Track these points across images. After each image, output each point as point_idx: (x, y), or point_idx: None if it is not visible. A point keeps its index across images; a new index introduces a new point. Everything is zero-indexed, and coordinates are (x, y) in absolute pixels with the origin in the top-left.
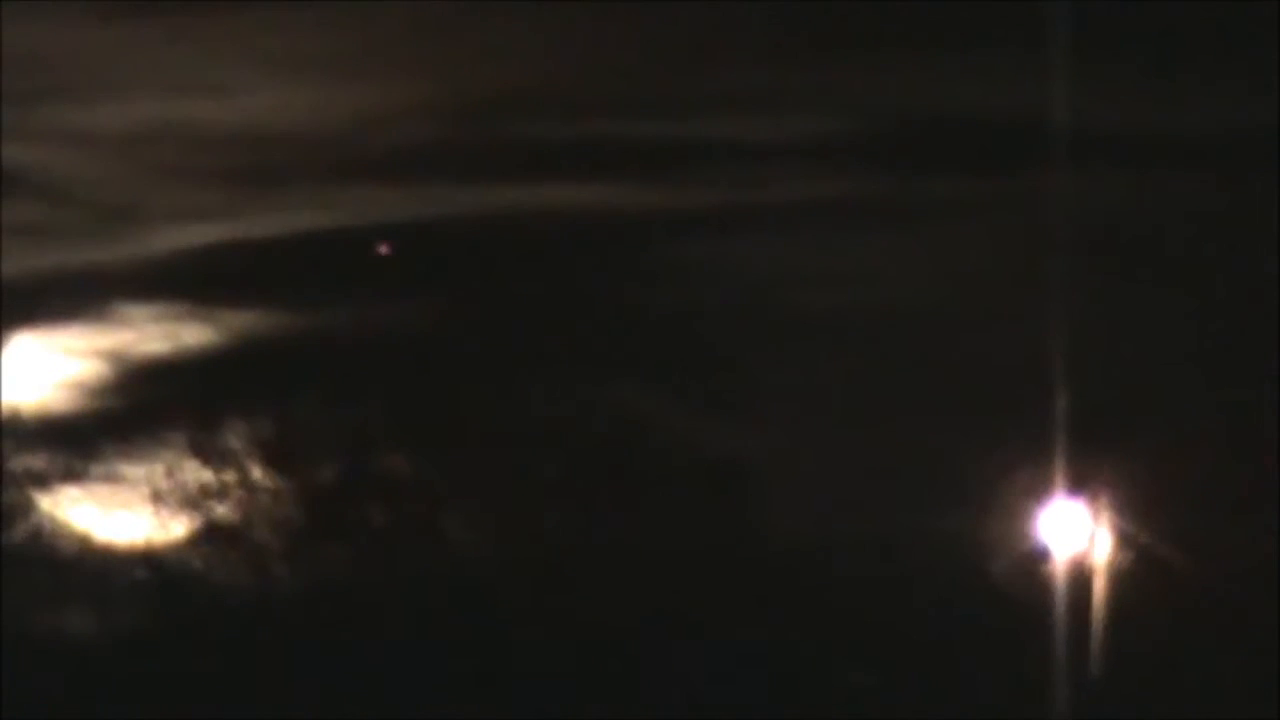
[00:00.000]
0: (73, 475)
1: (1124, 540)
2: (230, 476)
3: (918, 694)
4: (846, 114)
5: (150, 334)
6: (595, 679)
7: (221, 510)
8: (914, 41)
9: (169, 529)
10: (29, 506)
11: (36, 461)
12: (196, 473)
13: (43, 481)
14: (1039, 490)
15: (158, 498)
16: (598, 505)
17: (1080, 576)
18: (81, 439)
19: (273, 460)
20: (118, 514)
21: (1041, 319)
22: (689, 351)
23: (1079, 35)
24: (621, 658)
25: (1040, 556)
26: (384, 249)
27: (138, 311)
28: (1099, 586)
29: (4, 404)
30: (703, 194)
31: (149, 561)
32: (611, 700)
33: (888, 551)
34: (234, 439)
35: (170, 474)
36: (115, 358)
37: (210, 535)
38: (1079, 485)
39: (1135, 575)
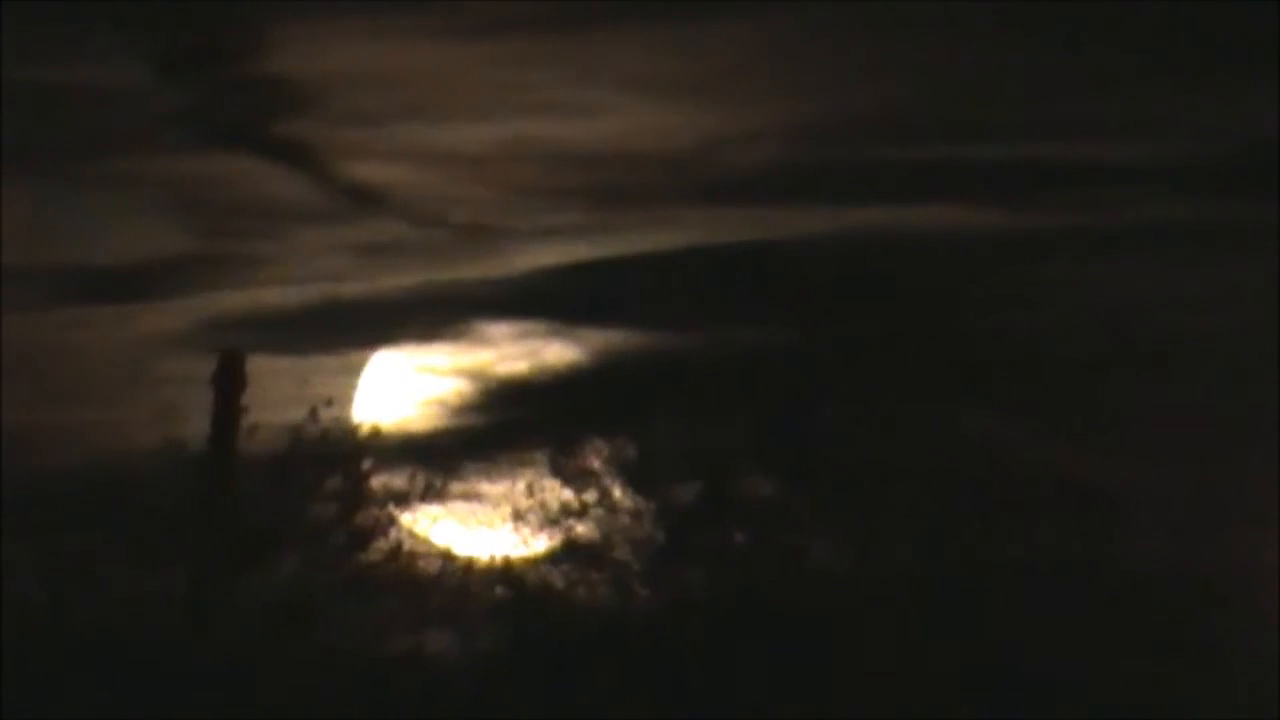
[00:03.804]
0: (433, 493)
1: None
2: (590, 496)
3: None
4: (1199, 138)
5: (511, 353)
6: (951, 698)
7: (581, 529)
8: (1265, 67)
9: (529, 547)
10: (389, 524)
11: (397, 479)
12: (557, 491)
13: (403, 499)
14: None
15: (518, 516)
16: (953, 529)
17: None
18: (442, 457)
19: (633, 480)
20: (478, 532)
21: None
22: (1044, 375)
23: None
24: (976, 677)
25: None
26: None
27: (498, 330)
28: None
29: (365, 422)
30: (1056, 217)
31: (509, 580)
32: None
33: (1247, 582)
34: (594, 458)
35: (531, 492)
36: (476, 376)
37: (570, 554)
38: None
39: None
